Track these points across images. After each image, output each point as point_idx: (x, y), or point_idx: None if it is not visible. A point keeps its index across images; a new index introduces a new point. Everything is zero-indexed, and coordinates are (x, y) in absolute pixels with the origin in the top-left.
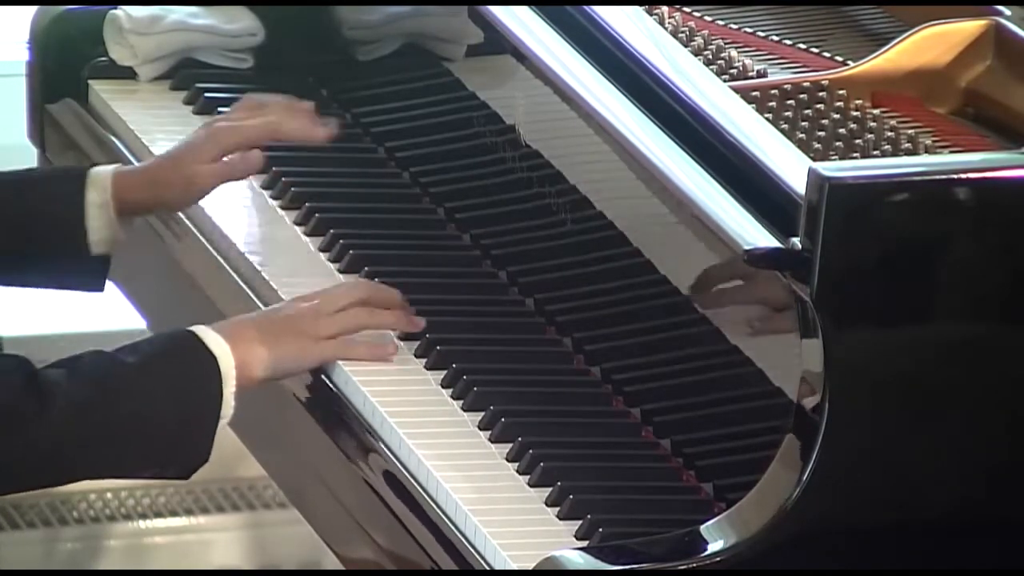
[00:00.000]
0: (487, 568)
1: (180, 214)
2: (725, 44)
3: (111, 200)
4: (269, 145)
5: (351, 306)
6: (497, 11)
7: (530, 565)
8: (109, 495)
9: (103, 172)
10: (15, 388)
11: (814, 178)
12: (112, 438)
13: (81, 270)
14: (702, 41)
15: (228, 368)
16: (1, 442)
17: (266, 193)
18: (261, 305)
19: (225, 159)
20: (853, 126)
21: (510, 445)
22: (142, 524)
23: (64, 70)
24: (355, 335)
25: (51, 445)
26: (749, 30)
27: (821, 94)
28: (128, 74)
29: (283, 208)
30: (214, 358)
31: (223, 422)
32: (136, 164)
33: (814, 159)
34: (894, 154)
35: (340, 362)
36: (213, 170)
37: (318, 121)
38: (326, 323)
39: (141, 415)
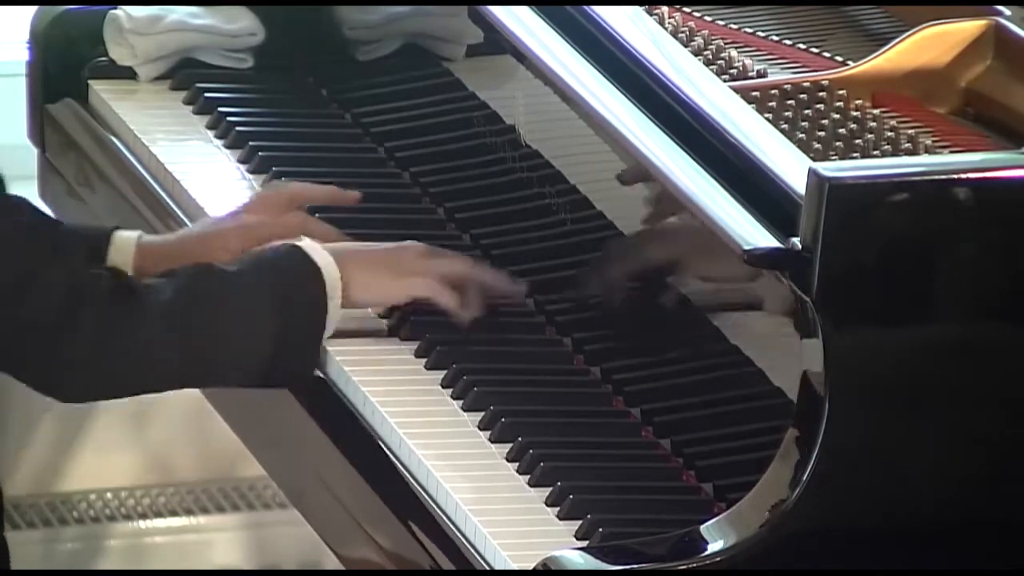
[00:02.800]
0: (487, 568)
1: (179, 213)
2: (725, 44)
3: (131, 267)
4: (268, 145)
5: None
6: (497, 11)
7: (530, 565)
8: (109, 495)
9: (127, 238)
10: (106, 294)
11: (814, 178)
12: (204, 341)
13: None
14: (702, 41)
15: (334, 280)
16: (95, 345)
17: None
18: None
19: None
20: (853, 126)
21: (510, 445)
22: (142, 524)
23: (64, 70)
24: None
25: (147, 347)
26: (749, 30)
27: (821, 94)
28: (128, 74)
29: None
30: (319, 269)
31: (327, 334)
32: (161, 236)
33: (814, 159)
34: (894, 154)
35: (340, 362)
36: None
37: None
38: (428, 264)
39: (242, 315)
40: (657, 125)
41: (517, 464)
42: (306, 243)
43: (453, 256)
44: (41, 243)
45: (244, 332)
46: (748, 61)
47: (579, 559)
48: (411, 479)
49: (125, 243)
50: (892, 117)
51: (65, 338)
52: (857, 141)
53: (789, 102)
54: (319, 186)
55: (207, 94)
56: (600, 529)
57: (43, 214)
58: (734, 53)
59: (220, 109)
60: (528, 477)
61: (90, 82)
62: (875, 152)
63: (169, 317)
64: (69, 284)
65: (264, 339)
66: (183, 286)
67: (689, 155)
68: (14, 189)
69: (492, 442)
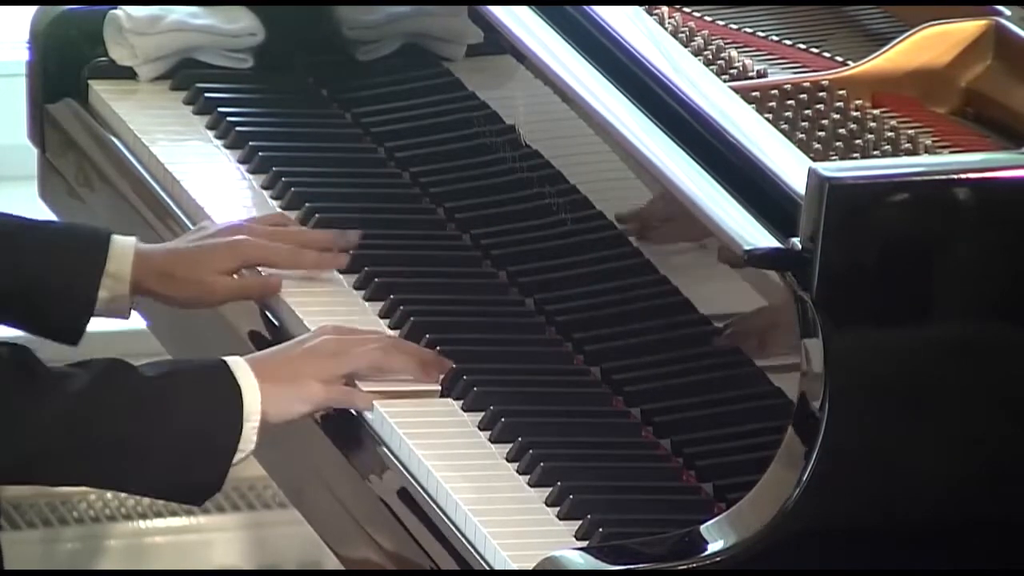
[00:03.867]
0: (487, 568)
1: (179, 213)
2: (725, 44)
3: (129, 275)
4: (268, 145)
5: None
6: (497, 11)
7: (530, 565)
8: (109, 495)
9: (125, 245)
10: (19, 374)
11: (814, 178)
12: (111, 442)
13: (70, 327)
14: (702, 41)
15: (252, 403)
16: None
17: (266, 193)
18: (262, 309)
19: (244, 273)
20: (853, 126)
21: (510, 445)
22: (142, 524)
23: (64, 70)
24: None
25: (46, 436)
26: (749, 30)
27: (821, 94)
28: (128, 74)
29: (283, 208)
30: (239, 391)
31: (240, 456)
32: (155, 247)
33: (814, 159)
34: (894, 154)
35: None
36: (227, 286)
37: (341, 247)
38: (347, 363)
39: (149, 427)
40: (657, 125)
41: (517, 464)
42: (234, 361)
43: (363, 346)
44: None
45: (147, 444)
46: (748, 61)
47: (579, 559)
48: (411, 479)
49: (124, 250)
50: (892, 117)
51: None
52: (857, 141)
53: (789, 102)
54: (316, 235)
55: (207, 94)
56: (600, 529)
57: None
58: (734, 53)
59: (220, 109)
60: (528, 477)
61: (90, 82)
62: (875, 152)
63: (69, 411)
64: None
65: (168, 455)
66: (94, 381)
67: (689, 155)
68: (14, 189)
69: (492, 442)
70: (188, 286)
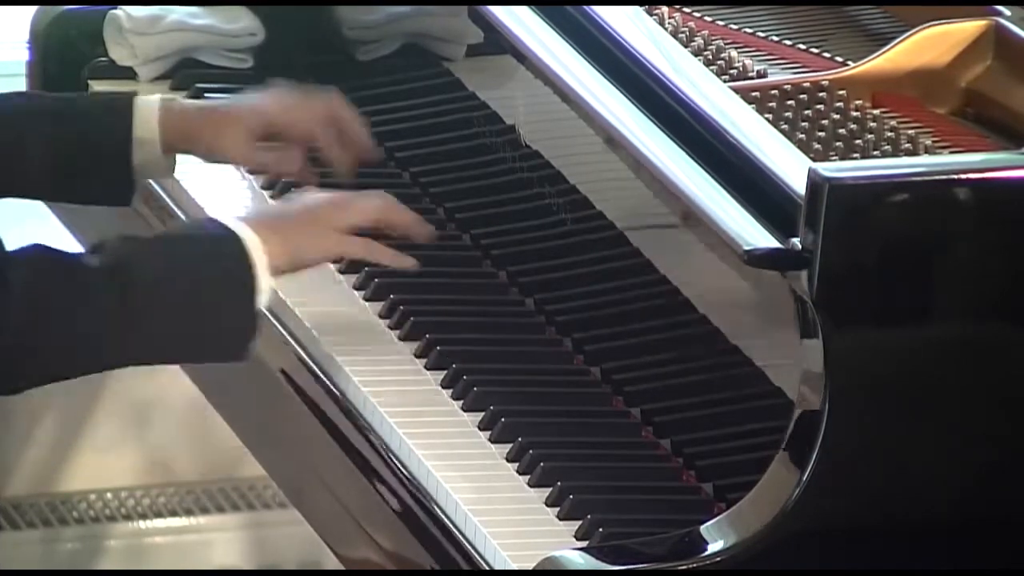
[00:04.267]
0: (487, 568)
1: (179, 213)
2: (725, 44)
3: (157, 130)
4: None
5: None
6: (497, 11)
7: (530, 565)
8: (109, 495)
9: (150, 103)
10: (48, 273)
11: (814, 178)
12: (150, 315)
13: (116, 191)
14: (702, 41)
15: (260, 255)
16: (43, 325)
17: (266, 193)
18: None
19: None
20: (853, 126)
21: (510, 445)
22: (142, 524)
23: (64, 70)
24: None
25: (95, 324)
26: (749, 30)
27: (821, 94)
28: (128, 74)
29: None
30: (239, 238)
31: (262, 301)
32: (184, 102)
33: (814, 159)
34: (894, 154)
35: (340, 362)
36: (244, 154)
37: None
38: (347, 215)
39: (177, 293)
40: (657, 125)
41: (517, 464)
42: (230, 220)
43: (364, 199)
44: None
45: (178, 307)
46: (748, 61)
47: (579, 559)
48: (411, 479)
49: (149, 113)
50: (892, 117)
51: None
52: (857, 141)
53: (789, 102)
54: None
55: (207, 94)
56: (600, 529)
57: None
58: (734, 53)
59: None
60: (528, 477)
61: (90, 82)
62: (875, 152)
63: (102, 294)
64: None
65: (199, 313)
66: (116, 262)
67: (689, 155)
68: None
69: (492, 442)
70: (217, 142)
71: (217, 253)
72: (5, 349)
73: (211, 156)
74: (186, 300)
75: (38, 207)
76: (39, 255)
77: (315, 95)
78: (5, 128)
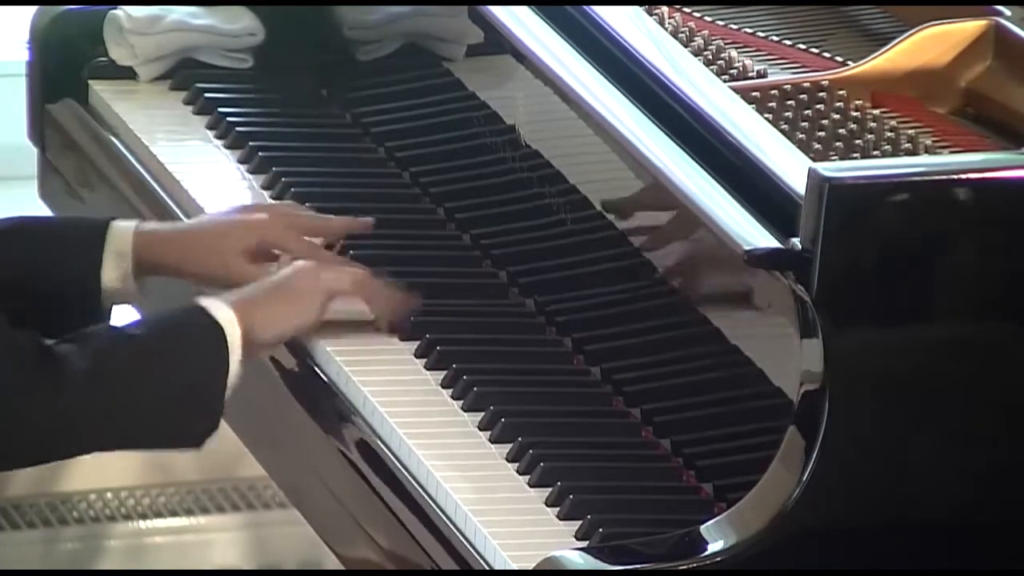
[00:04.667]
0: (487, 568)
1: (179, 213)
2: (725, 44)
3: (130, 257)
4: (268, 145)
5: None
6: (497, 11)
7: (530, 565)
8: (109, 495)
9: (124, 228)
10: (28, 361)
11: (814, 178)
12: (122, 407)
13: (83, 321)
14: (702, 41)
15: (234, 336)
16: (17, 413)
17: (266, 193)
18: None
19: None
20: (853, 126)
21: (510, 445)
22: (142, 524)
23: (64, 70)
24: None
25: (65, 416)
26: (749, 30)
27: (821, 94)
28: (128, 74)
29: None
30: (219, 327)
31: (230, 390)
32: (159, 226)
33: (814, 159)
34: (894, 154)
35: (340, 362)
36: (243, 267)
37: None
38: (319, 282)
39: (149, 383)
40: (657, 125)
41: (517, 464)
42: (206, 301)
43: (340, 268)
44: None
45: (153, 397)
46: (748, 61)
47: (579, 559)
48: (411, 479)
49: (123, 230)
50: (892, 117)
51: None
52: (857, 141)
53: (789, 102)
54: (331, 219)
55: (207, 94)
56: (600, 529)
57: None
58: (734, 53)
59: (220, 109)
60: (528, 477)
61: (90, 82)
62: (875, 152)
63: (87, 385)
64: None
65: (168, 403)
66: (99, 353)
67: (689, 155)
68: (14, 189)
69: (492, 442)
70: (206, 259)
71: (195, 347)
72: None
73: (216, 278)
74: (161, 394)
75: (39, 207)
76: (26, 339)
77: (255, 209)
78: None
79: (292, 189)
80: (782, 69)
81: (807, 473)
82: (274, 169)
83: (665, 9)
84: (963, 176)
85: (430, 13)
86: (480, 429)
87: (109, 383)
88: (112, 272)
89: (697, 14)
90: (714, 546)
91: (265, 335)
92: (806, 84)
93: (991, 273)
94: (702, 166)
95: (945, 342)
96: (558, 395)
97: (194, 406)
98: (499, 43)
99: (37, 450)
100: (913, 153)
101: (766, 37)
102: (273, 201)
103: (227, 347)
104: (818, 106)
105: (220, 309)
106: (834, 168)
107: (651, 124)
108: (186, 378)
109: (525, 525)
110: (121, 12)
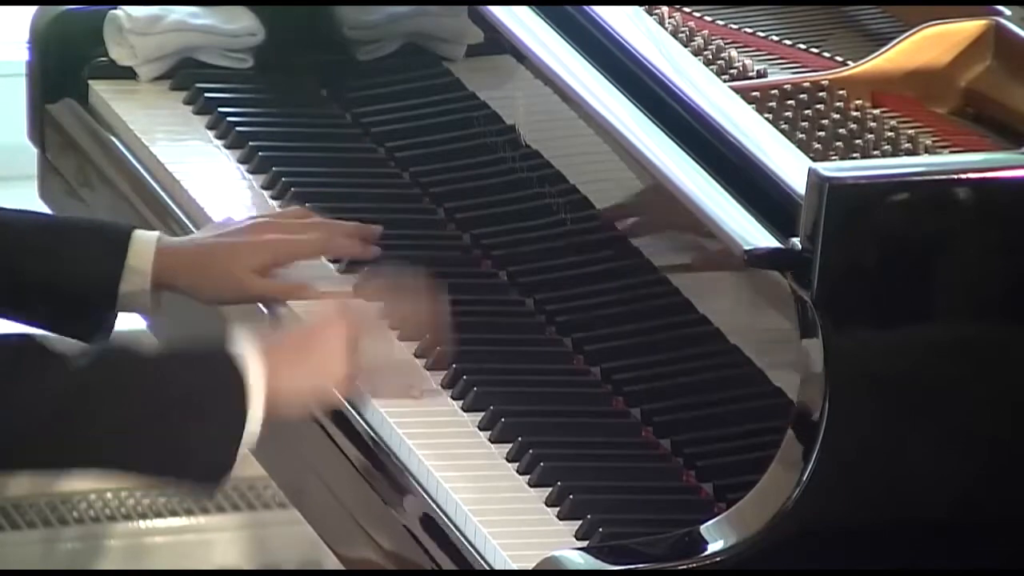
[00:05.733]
0: (487, 568)
1: (179, 213)
2: (725, 44)
3: (150, 270)
4: (268, 145)
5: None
6: (497, 11)
7: (530, 565)
8: (109, 495)
9: (147, 240)
10: (28, 361)
11: (814, 178)
12: (119, 421)
13: (94, 324)
14: (702, 41)
15: (258, 392)
16: (15, 413)
17: (266, 193)
18: (262, 308)
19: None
20: (853, 126)
21: (510, 445)
22: (142, 524)
23: (64, 70)
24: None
25: (49, 407)
26: (749, 30)
27: (821, 94)
28: (128, 74)
29: (283, 207)
30: (243, 382)
31: (244, 445)
32: (181, 240)
33: (814, 159)
34: (894, 154)
35: None
36: (259, 285)
37: (365, 238)
38: (350, 360)
39: (153, 404)
40: (657, 125)
41: (517, 464)
42: (241, 347)
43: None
44: None
45: (157, 419)
46: (748, 61)
47: (579, 559)
48: (411, 479)
49: (145, 244)
50: (892, 117)
51: None
52: (857, 141)
53: (789, 102)
54: (341, 224)
55: (207, 94)
56: (600, 529)
57: None
58: (734, 53)
59: (220, 109)
60: (528, 477)
61: (90, 82)
62: (875, 152)
63: (67, 396)
64: None
65: (169, 440)
66: (95, 366)
67: (689, 155)
68: (14, 189)
69: (492, 442)
70: (219, 282)
71: (210, 395)
72: None
73: (228, 293)
74: (159, 427)
75: (39, 207)
76: (27, 344)
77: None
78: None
79: (292, 189)
80: (782, 69)
81: (807, 473)
82: (274, 169)
83: (665, 9)
84: (963, 176)
85: (430, 13)
86: (480, 429)
87: (108, 394)
88: (130, 286)
89: (697, 14)
90: (714, 546)
91: (282, 407)
92: (806, 84)
93: (991, 273)
94: (702, 166)
95: (945, 342)
96: (558, 395)
97: (196, 451)
98: (499, 43)
99: (28, 455)
100: (913, 153)
101: (766, 37)
102: (273, 201)
103: (246, 405)
104: (818, 106)
105: (251, 364)
106: (834, 168)
107: (651, 124)
108: (191, 421)
109: (525, 525)
110: (121, 12)
